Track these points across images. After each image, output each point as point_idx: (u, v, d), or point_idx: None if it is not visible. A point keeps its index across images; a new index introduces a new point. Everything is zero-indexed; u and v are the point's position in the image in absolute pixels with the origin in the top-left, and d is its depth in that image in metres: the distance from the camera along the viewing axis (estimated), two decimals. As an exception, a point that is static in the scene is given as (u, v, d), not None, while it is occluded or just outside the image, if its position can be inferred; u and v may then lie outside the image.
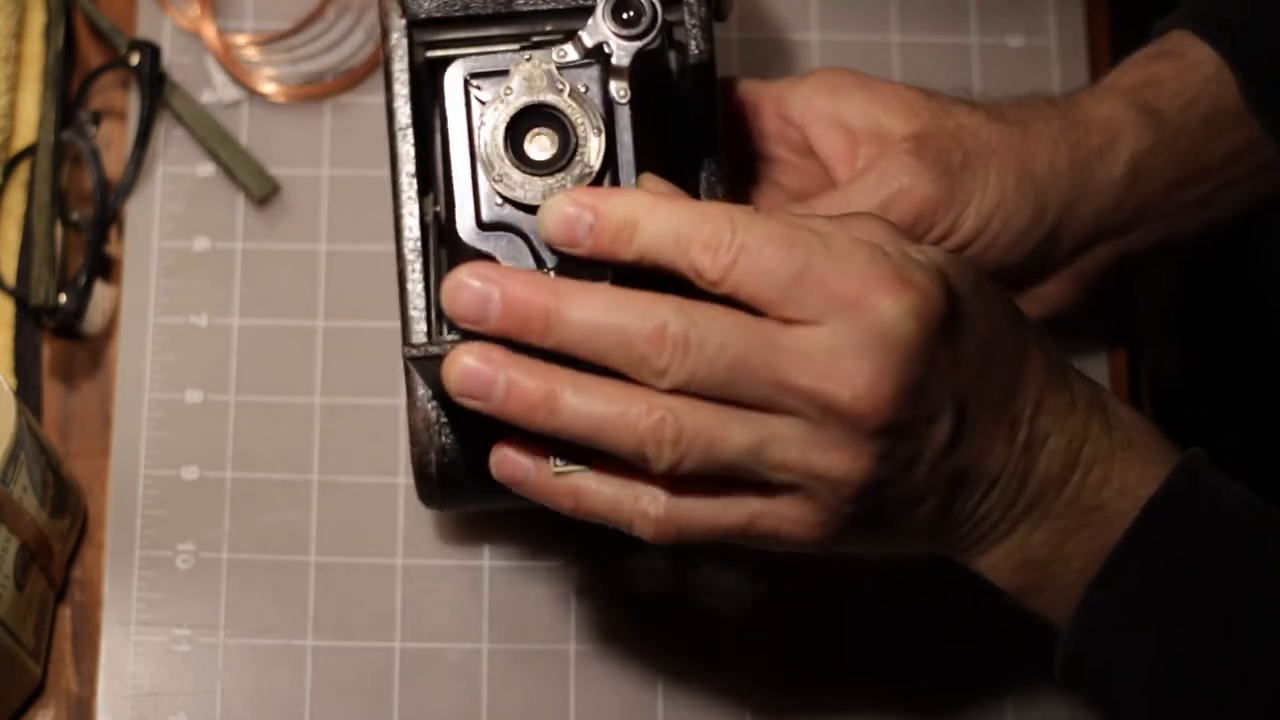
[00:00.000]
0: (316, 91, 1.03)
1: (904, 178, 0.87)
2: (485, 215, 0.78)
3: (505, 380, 0.75)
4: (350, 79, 1.03)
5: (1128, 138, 0.89)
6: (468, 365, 0.75)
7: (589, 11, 0.79)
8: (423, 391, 0.85)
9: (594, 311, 0.74)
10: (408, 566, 0.96)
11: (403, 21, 0.85)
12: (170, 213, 1.01)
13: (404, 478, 0.97)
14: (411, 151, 0.85)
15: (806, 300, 0.73)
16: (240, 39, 1.04)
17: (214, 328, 0.99)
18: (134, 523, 0.96)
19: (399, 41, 0.85)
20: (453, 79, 0.79)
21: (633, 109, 0.78)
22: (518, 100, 0.78)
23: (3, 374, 0.93)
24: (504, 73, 0.78)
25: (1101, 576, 0.78)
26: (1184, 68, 0.90)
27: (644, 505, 0.77)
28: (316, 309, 1.00)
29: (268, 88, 1.03)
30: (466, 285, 0.75)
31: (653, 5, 0.77)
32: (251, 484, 0.97)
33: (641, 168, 0.79)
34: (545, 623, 0.96)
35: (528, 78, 0.78)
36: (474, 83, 0.79)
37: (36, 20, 1.04)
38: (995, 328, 0.77)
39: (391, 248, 0.86)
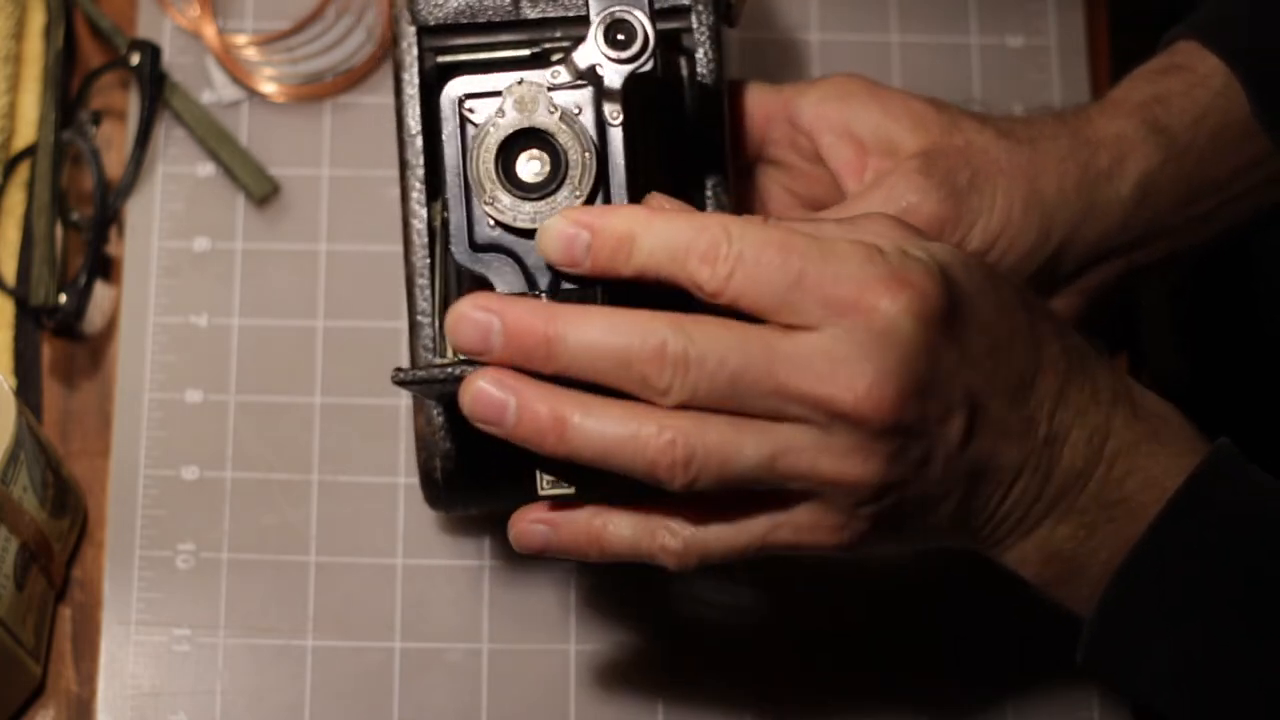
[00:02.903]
0: (316, 91, 1.03)
1: (911, 195, 0.86)
2: (478, 237, 0.78)
3: (515, 405, 0.74)
4: (350, 79, 1.03)
5: (1137, 156, 0.88)
6: (480, 389, 0.75)
7: None
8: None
9: (592, 334, 0.74)
10: (408, 566, 0.96)
11: (412, 28, 0.85)
12: (170, 213, 1.01)
13: (404, 478, 0.97)
14: (421, 157, 0.85)
15: (804, 306, 0.73)
16: (240, 39, 1.04)
17: (214, 328, 0.99)
18: (134, 523, 0.96)
19: (409, 48, 0.85)
20: (448, 99, 0.79)
21: (625, 131, 0.78)
22: (509, 124, 0.77)
23: (3, 374, 0.93)
24: (498, 94, 0.78)
25: (1126, 568, 0.78)
26: (1193, 82, 0.89)
27: (662, 540, 0.77)
28: (316, 309, 1.00)
29: (268, 88, 1.03)
30: (468, 317, 0.75)
31: (644, 29, 0.76)
32: (251, 484, 0.97)
33: (634, 189, 0.78)
34: (545, 623, 0.96)
35: (520, 100, 0.77)
36: (467, 104, 0.78)
37: (36, 20, 1.04)
38: (1006, 321, 0.76)
39: (392, 248, 0.86)
